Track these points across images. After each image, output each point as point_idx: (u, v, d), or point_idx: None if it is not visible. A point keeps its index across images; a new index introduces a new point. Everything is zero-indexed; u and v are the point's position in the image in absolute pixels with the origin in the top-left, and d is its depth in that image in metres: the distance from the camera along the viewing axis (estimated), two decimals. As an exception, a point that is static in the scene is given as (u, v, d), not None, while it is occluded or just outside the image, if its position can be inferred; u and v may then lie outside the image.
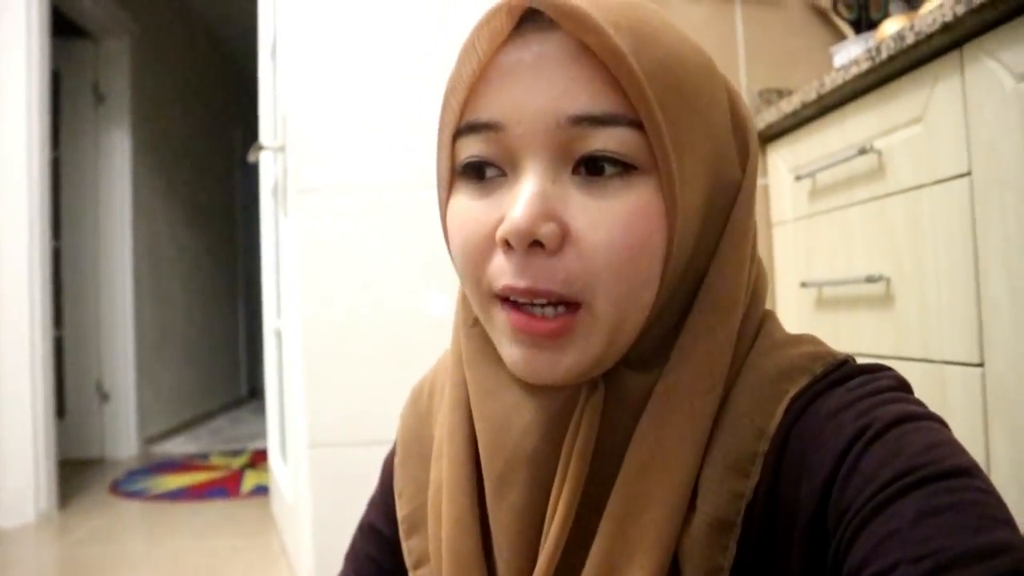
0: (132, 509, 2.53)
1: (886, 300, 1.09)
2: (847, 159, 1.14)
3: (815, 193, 1.29)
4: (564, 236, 0.38)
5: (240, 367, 5.42)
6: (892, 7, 1.41)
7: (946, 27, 0.93)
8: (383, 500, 0.58)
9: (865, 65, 1.08)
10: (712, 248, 0.42)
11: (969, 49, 0.93)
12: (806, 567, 0.36)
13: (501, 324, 0.40)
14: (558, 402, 0.41)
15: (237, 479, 2.89)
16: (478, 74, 0.40)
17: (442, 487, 0.47)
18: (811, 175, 1.27)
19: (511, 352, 0.40)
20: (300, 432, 1.57)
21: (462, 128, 0.41)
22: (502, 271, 0.39)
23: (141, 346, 3.56)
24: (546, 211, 0.37)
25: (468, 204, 0.41)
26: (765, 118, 1.40)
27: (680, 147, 0.38)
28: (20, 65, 2.41)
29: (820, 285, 1.25)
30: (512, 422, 0.42)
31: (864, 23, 1.39)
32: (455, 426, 0.47)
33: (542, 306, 0.38)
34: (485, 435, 0.44)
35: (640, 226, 0.38)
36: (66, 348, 3.36)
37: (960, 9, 0.90)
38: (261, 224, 2.37)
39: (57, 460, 2.53)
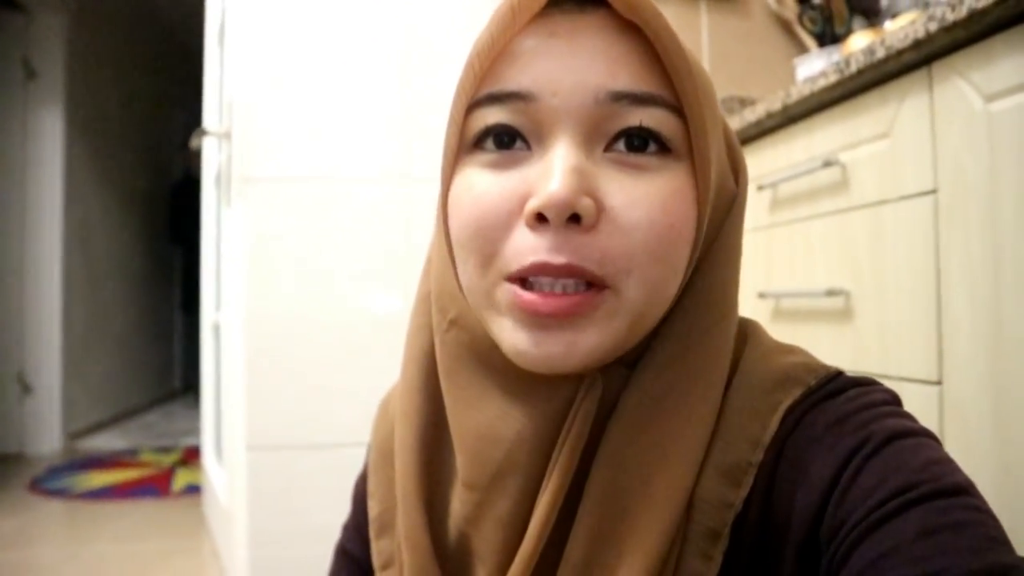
0: (53, 509, 2.39)
1: (845, 314, 1.09)
2: (811, 171, 1.14)
3: (776, 204, 1.28)
4: (600, 213, 0.36)
5: (175, 359, 5.23)
6: (854, 23, 1.42)
7: (917, 43, 0.92)
8: (354, 523, 0.56)
9: (834, 77, 1.07)
10: (704, 250, 0.41)
11: (938, 67, 0.93)
12: None
13: (507, 306, 0.37)
14: (552, 405, 0.39)
15: (168, 477, 2.78)
16: (510, 40, 0.38)
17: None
18: (773, 185, 1.26)
19: (517, 338, 0.37)
20: (238, 434, 1.50)
21: (482, 98, 0.38)
22: (530, 248, 0.36)
23: (69, 336, 3.39)
24: (583, 184, 0.35)
25: (485, 178, 0.38)
26: (727, 126, 1.39)
27: (709, 140, 0.38)
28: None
29: (779, 296, 1.25)
30: (501, 433, 0.40)
31: (828, 37, 1.39)
32: (404, 437, 0.45)
33: (563, 288, 0.36)
34: (467, 448, 0.41)
35: (679, 208, 0.37)
36: (-15, 336, 3.17)
37: (932, 26, 0.90)
38: (202, 213, 2.27)
39: (-29, 456, 2.38)
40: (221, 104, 1.85)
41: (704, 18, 1.56)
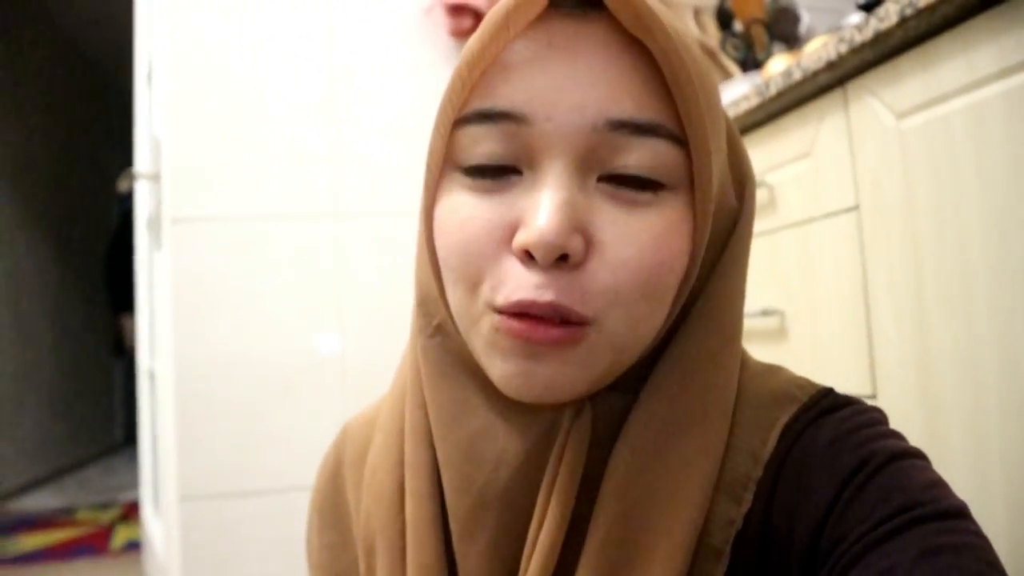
0: (-21, 576, 2.26)
1: (780, 333, 1.10)
2: (739, 193, 1.15)
3: (708, 227, 1.30)
4: (589, 248, 0.34)
5: (115, 410, 5.03)
6: (774, 49, 1.46)
7: (830, 65, 0.95)
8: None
9: (755, 100, 1.09)
10: (707, 271, 0.39)
11: (852, 87, 0.95)
12: None
13: (492, 335, 0.35)
14: (538, 427, 0.37)
15: (107, 535, 2.65)
16: (503, 47, 0.35)
17: (404, 531, 0.42)
18: (704, 209, 1.28)
19: (503, 367, 0.35)
20: (170, 483, 1.44)
21: (471, 114, 0.36)
22: (517, 284, 0.34)
23: (-3, 391, 3.23)
24: (573, 222, 0.33)
25: (471, 201, 0.36)
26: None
27: (712, 169, 0.36)
28: None
29: (715, 318, 1.25)
30: (482, 450, 0.38)
31: (750, 62, 1.43)
32: (417, 456, 0.42)
33: (549, 320, 0.34)
34: (451, 466, 0.39)
35: (671, 243, 0.35)
36: (-94, 395, 3.01)
37: (843, 48, 0.92)
38: (136, 257, 2.21)
39: None
40: (151, 146, 1.81)
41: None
